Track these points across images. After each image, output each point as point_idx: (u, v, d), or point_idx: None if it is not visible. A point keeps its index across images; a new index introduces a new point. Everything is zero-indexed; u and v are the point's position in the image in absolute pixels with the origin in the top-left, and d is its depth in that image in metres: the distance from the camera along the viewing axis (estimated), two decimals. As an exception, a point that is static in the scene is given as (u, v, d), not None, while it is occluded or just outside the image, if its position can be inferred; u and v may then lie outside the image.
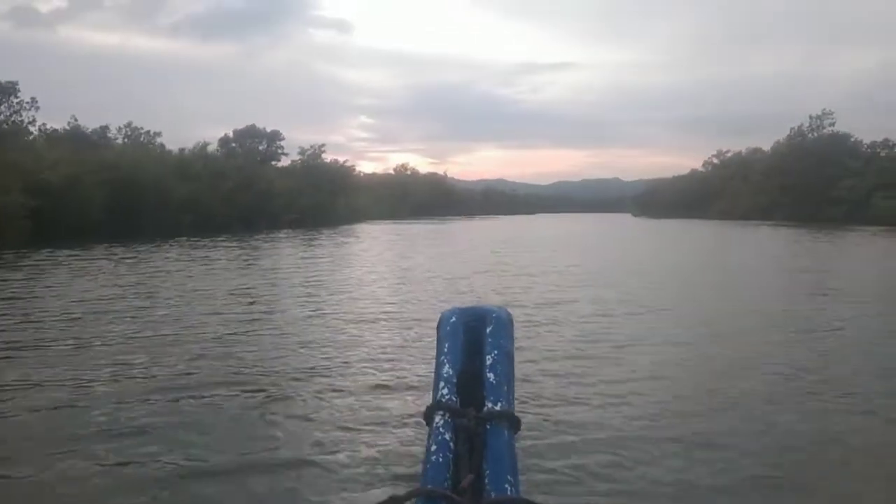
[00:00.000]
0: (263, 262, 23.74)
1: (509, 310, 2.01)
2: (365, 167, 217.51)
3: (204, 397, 6.62)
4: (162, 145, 61.41)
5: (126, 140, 60.90)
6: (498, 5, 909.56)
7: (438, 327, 1.96)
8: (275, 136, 76.13)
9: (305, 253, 29.19)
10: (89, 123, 60.91)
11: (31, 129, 53.85)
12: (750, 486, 4.64)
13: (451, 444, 1.59)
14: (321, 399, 6.51)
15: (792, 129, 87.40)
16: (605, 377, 7.22)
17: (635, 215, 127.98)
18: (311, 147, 75.44)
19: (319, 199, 62.28)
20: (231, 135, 75.75)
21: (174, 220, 41.60)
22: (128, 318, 11.18)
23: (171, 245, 31.27)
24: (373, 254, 29.17)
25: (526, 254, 28.26)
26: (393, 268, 21.64)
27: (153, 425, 5.79)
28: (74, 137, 54.47)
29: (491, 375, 1.75)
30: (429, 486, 1.47)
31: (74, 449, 5.25)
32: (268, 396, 6.65)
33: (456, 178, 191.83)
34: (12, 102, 52.89)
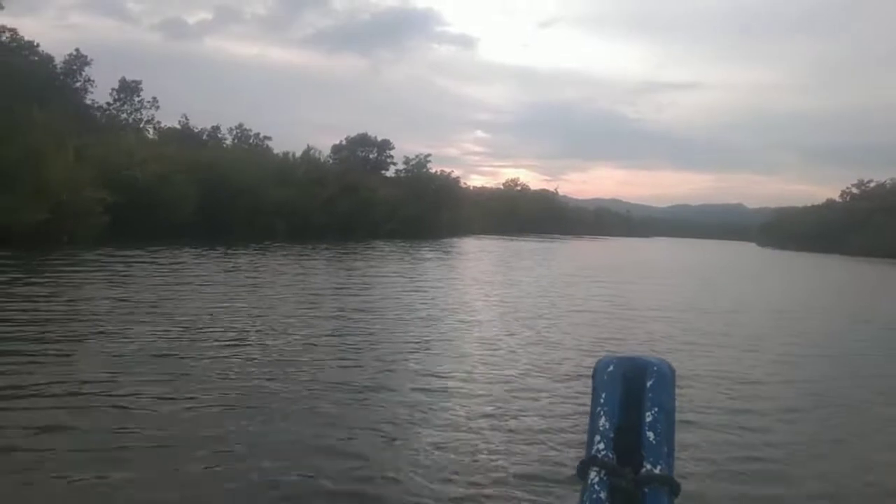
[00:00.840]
0: (354, 280, 21.66)
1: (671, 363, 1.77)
2: (476, 181, 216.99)
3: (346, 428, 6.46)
4: (269, 149, 61.59)
5: (235, 141, 61.85)
6: (620, 21, 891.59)
7: (594, 375, 1.80)
8: (385, 146, 76.08)
9: (404, 269, 27.41)
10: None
11: (148, 126, 55.73)
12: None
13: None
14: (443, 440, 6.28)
15: None
16: (768, 440, 6.72)
17: (760, 245, 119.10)
18: (417, 157, 72.74)
19: (421, 210, 60.51)
20: (344, 142, 76.25)
21: (267, 225, 40.88)
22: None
23: (256, 249, 30.22)
24: (474, 279, 26.57)
25: (645, 285, 24.93)
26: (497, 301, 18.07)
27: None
28: (183, 136, 55.67)
29: (650, 434, 1.63)
30: None
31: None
32: (396, 435, 6.41)
33: (569, 195, 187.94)
34: (134, 101, 54.84)
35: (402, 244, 44.11)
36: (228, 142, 62.01)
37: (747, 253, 77.06)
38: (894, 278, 40.75)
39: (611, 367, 1.80)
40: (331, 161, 70.72)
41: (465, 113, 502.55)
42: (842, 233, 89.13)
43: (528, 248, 55.45)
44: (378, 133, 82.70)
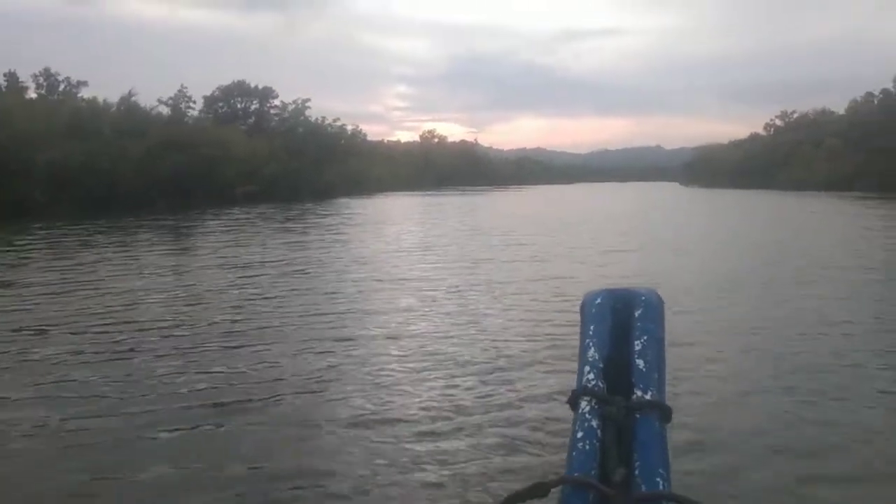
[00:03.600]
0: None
1: (660, 293, 1.83)
2: (403, 136, 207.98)
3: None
4: (87, 99, 47.44)
5: (40, 91, 50.16)
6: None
7: (582, 309, 1.88)
8: (267, 94, 65.46)
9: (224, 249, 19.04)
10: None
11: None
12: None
13: (598, 431, 1.53)
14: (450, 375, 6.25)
15: None
16: (761, 365, 6.61)
17: (684, 184, 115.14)
18: (294, 102, 61.91)
19: (298, 167, 48.88)
20: (217, 93, 65.63)
21: (41, 195, 29.84)
22: None
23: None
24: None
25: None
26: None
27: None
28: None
29: (640, 362, 1.68)
30: (576, 475, 1.43)
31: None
32: (399, 368, 6.49)
33: (494, 146, 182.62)
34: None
35: (263, 210, 34.45)
36: (31, 92, 49.61)
37: (674, 194, 71.74)
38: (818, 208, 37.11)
39: (598, 300, 1.86)
40: (202, 115, 60.67)
41: (387, 68, 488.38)
42: (770, 167, 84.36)
43: (436, 203, 48.02)
44: (299, 91, 71.44)
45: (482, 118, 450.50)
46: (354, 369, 6.69)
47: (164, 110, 49.38)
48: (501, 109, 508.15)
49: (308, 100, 59.87)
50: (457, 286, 11.75)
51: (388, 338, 8.00)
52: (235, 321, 8.99)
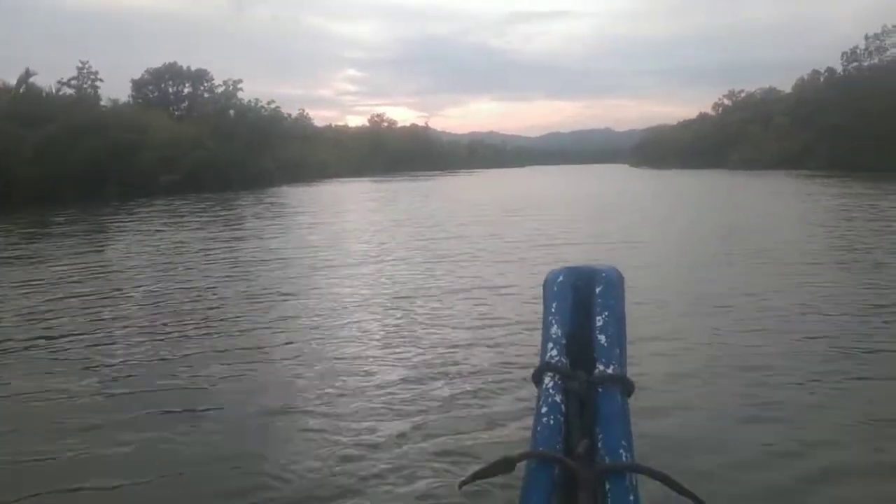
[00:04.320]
0: None
1: (620, 270, 1.86)
2: (353, 121, 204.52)
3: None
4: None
5: None
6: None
7: (545, 287, 1.92)
8: (201, 77, 61.40)
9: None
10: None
11: None
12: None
13: (562, 406, 1.57)
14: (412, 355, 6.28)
15: (844, 53, 68.92)
16: (718, 336, 6.71)
17: (633, 165, 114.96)
18: (225, 83, 57.17)
19: (226, 152, 44.04)
20: (146, 76, 61.43)
21: None
22: None
23: None
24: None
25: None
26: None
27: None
28: None
29: (602, 337, 1.71)
30: (541, 449, 1.47)
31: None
32: (370, 357, 6.31)
33: (447, 130, 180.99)
34: None
35: (187, 201, 31.12)
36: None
37: (623, 175, 71.13)
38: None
39: (560, 278, 1.90)
40: (133, 100, 56.74)
41: (337, 51, 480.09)
42: (720, 147, 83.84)
43: (382, 190, 45.83)
44: (246, 76, 67.20)
45: (434, 102, 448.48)
46: (306, 354, 6.48)
47: (68, 91, 44.00)
48: (453, 93, 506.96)
49: (240, 81, 55.77)
50: (406, 259, 11.39)
51: (339, 326, 7.63)
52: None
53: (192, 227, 20.62)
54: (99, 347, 6.85)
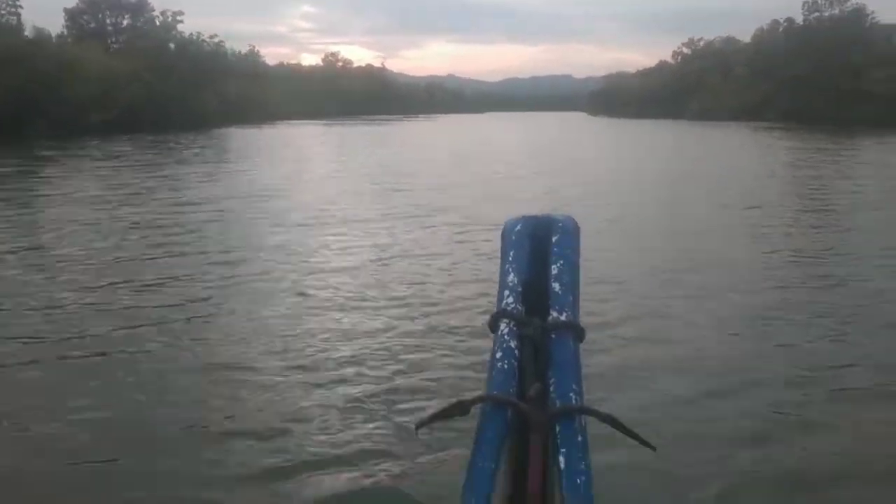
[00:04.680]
0: None
1: (576, 219, 1.94)
2: (308, 60, 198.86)
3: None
4: None
5: None
6: None
7: (503, 236, 1.96)
8: (141, 8, 57.44)
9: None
10: None
11: None
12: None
13: (517, 352, 1.61)
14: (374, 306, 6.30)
15: (805, 2, 67.84)
16: (669, 289, 6.89)
17: (591, 114, 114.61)
18: (163, 14, 53.32)
19: (165, 89, 40.50)
20: (81, 4, 57.47)
21: None
22: None
23: None
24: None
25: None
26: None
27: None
28: None
29: (556, 285, 1.75)
30: (495, 393, 1.50)
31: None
32: (328, 307, 6.33)
33: (404, 73, 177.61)
34: None
35: (119, 143, 28.65)
36: None
37: (581, 124, 71.10)
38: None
39: (518, 227, 1.93)
40: (65, 31, 53.34)
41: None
42: (678, 96, 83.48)
43: (336, 134, 44.58)
44: (191, 10, 62.69)
45: (391, 43, 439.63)
46: (263, 300, 6.53)
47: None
48: (411, 34, 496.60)
49: (181, 13, 52.48)
50: (369, 219, 11.08)
51: (297, 277, 7.54)
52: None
53: (121, 174, 19.17)
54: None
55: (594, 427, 1.53)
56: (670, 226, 10.67)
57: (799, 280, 7.37)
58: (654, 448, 1.58)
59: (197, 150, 26.84)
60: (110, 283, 7.23)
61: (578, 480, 1.36)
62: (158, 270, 7.86)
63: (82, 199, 13.76)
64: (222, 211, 12.07)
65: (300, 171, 19.75)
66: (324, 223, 10.80)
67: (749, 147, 31.07)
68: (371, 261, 8.19)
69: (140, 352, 5.24)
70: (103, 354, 5.18)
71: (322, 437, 3.85)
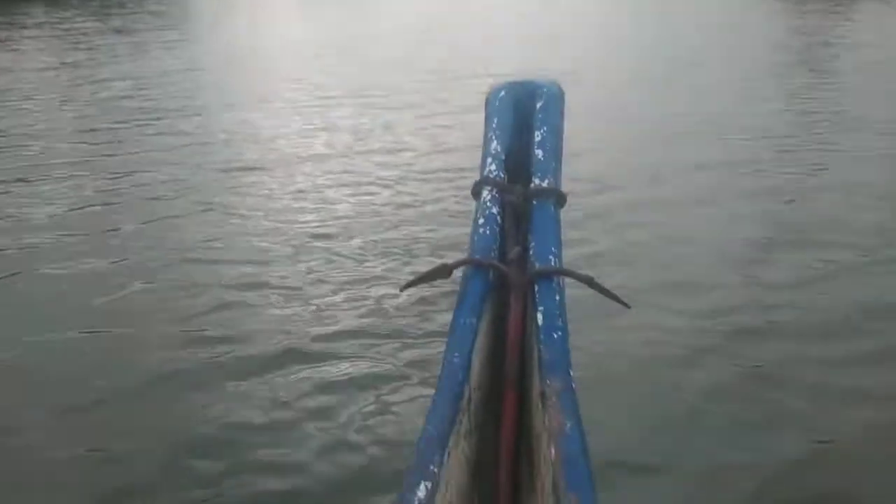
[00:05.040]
0: None
1: (561, 84, 1.92)
2: None
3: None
4: None
5: None
6: None
7: (487, 102, 1.94)
8: None
9: None
10: None
11: None
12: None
13: (498, 218, 1.65)
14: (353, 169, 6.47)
15: None
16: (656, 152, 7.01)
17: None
18: None
19: None
20: None
21: None
22: None
23: None
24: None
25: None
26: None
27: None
28: None
29: (539, 152, 1.76)
30: (477, 256, 1.55)
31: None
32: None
33: None
34: None
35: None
36: None
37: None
38: None
39: (502, 93, 1.90)
40: None
41: None
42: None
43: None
44: None
45: None
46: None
47: None
48: None
49: None
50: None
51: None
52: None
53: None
54: None
55: (572, 288, 1.57)
56: (651, 92, 10.31)
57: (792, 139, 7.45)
58: (629, 307, 1.62)
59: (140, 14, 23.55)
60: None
61: (555, 335, 1.42)
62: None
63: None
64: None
65: (256, 38, 17.95)
66: (291, 100, 10.01)
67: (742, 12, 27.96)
68: (350, 134, 7.92)
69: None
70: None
71: (314, 302, 3.98)
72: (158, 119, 8.57)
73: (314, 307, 3.96)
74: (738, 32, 17.60)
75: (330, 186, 6.19)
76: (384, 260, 4.53)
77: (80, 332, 3.83)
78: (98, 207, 5.70)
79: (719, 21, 20.14)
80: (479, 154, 1.89)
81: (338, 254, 4.64)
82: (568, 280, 1.56)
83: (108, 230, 5.18)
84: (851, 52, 14.04)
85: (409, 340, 3.58)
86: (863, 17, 21.67)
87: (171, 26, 20.93)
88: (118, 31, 18.81)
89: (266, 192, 6.05)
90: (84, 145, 7.64)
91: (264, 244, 4.87)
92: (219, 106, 9.51)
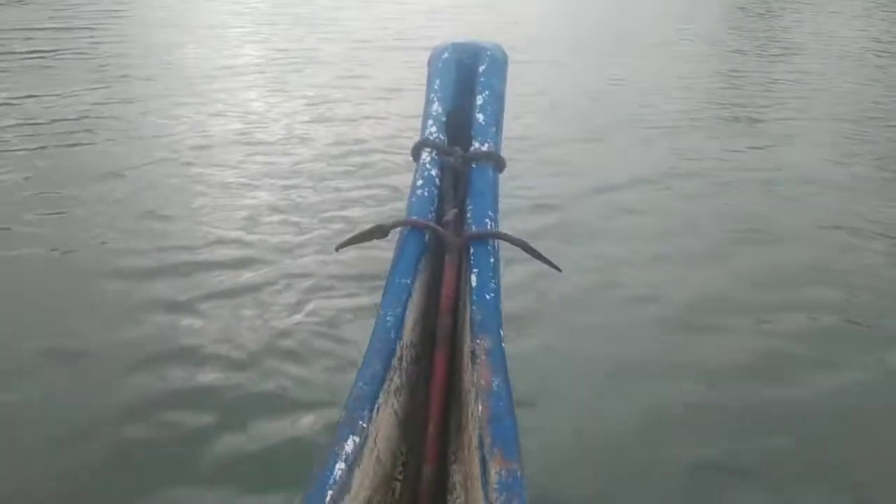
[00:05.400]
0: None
1: (505, 48, 1.93)
2: None
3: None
4: None
5: None
6: None
7: (429, 62, 1.92)
8: None
9: None
10: None
11: None
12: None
13: (437, 180, 1.65)
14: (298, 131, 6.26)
15: None
16: (591, 119, 7.07)
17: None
18: None
19: None
20: None
21: None
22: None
23: None
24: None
25: None
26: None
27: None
28: None
29: (480, 116, 1.77)
30: (413, 217, 1.56)
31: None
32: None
33: None
34: None
35: None
36: None
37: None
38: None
39: (445, 55, 1.89)
40: None
41: None
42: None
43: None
44: None
45: None
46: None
47: None
48: None
49: None
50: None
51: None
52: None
53: None
54: None
55: (506, 252, 1.60)
56: (605, 57, 10.45)
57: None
58: (560, 270, 1.66)
59: None
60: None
61: (488, 296, 1.43)
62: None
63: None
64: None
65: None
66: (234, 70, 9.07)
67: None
68: (292, 94, 7.63)
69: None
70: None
71: (245, 261, 3.94)
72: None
73: (252, 271, 3.85)
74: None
75: (270, 142, 5.99)
76: (319, 220, 4.45)
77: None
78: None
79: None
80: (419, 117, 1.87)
81: (273, 213, 4.54)
82: (503, 244, 1.59)
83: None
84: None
85: (344, 300, 3.55)
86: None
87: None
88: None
89: (205, 160, 5.60)
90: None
91: (204, 214, 4.60)
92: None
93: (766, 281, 3.99)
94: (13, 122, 6.03)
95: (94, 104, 6.63)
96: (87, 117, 6.30)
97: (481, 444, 1.18)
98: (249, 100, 7.31)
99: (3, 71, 7.73)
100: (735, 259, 4.24)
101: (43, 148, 5.50)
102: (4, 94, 6.77)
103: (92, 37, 9.80)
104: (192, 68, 8.46)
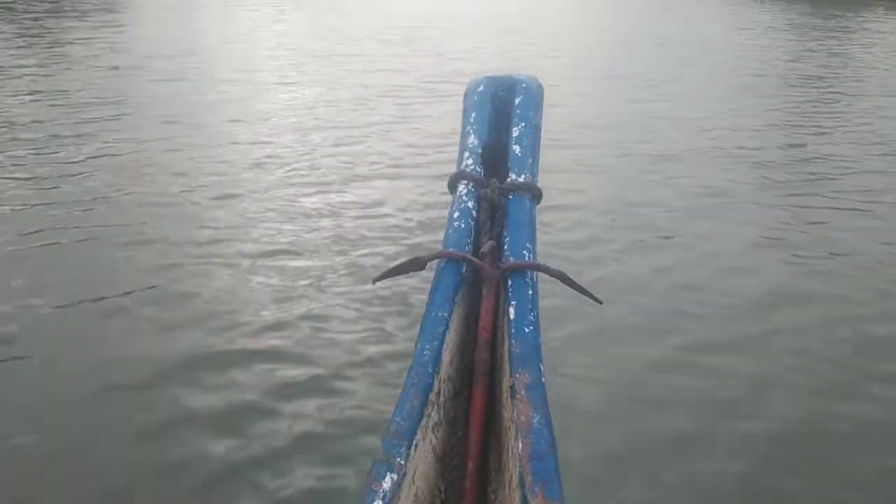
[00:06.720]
0: None
1: (540, 80, 1.94)
2: None
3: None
4: None
5: None
6: None
7: (465, 97, 1.95)
8: None
9: None
10: None
11: None
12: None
13: (474, 212, 1.66)
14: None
15: None
16: (636, 149, 6.97)
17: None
18: None
19: None
20: None
21: None
22: None
23: None
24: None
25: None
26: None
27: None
28: None
29: (517, 148, 1.77)
30: (450, 249, 1.56)
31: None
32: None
33: None
34: None
35: None
36: None
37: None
38: None
39: (481, 88, 1.91)
40: None
41: None
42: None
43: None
44: None
45: None
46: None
47: None
48: None
49: None
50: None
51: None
52: None
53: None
54: None
55: (545, 284, 1.58)
56: (640, 93, 10.02)
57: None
58: (600, 302, 1.64)
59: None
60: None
61: (527, 329, 1.41)
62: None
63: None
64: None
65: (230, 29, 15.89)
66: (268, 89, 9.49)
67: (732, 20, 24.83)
68: (328, 125, 7.67)
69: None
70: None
71: (283, 289, 3.94)
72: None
73: (285, 297, 3.86)
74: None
75: (311, 171, 6.02)
76: (357, 252, 4.43)
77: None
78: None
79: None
80: (456, 147, 1.89)
81: (310, 246, 4.54)
82: (541, 275, 1.57)
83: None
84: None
85: (381, 333, 3.52)
86: None
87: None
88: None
89: (242, 186, 5.68)
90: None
91: (238, 241, 4.64)
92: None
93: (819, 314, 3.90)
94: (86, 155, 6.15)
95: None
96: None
97: (522, 483, 1.16)
98: (292, 141, 7.12)
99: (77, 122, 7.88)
100: (785, 300, 4.12)
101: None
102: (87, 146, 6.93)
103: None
104: (236, 112, 8.36)
